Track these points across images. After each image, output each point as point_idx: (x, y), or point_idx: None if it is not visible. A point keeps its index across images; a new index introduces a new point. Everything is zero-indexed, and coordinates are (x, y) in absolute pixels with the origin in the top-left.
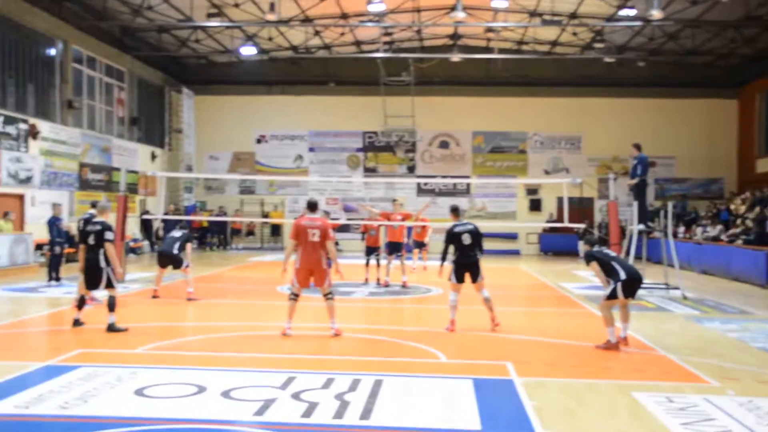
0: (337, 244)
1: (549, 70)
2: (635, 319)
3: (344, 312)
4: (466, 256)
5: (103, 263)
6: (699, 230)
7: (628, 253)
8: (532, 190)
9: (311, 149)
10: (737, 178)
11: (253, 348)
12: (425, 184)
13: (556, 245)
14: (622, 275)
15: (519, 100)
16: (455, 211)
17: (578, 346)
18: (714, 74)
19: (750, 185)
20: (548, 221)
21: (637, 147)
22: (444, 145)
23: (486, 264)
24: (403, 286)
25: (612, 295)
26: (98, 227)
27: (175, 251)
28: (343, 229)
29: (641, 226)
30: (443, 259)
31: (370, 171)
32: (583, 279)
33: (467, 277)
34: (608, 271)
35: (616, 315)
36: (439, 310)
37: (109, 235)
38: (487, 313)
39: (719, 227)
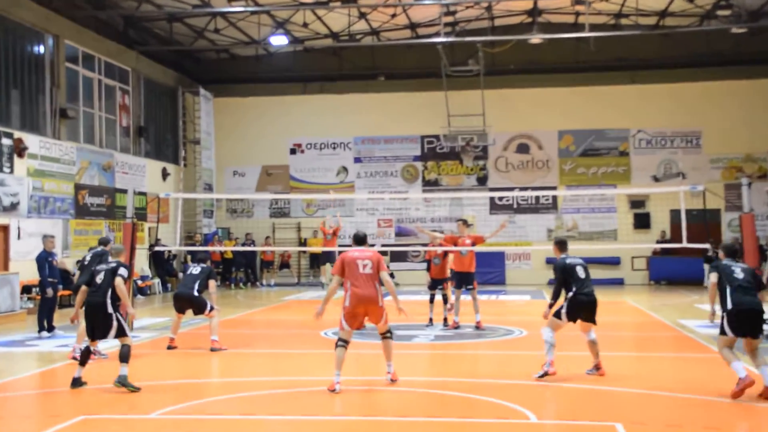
0: (392, 276)
1: (656, 48)
2: None
3: (405, 361)
4: (583, 294)
5: (111, 308)
6: None
7: None
8: (637, 203)
9: (357, 159)
10: None
11: (294, 409)
12: (500, 198)
13: (670, 272)
14: (729, 304)
15: (618, 89)
16: (561, 244)
17: (708, 401)
18: None
19: None
20: (660, 241)
21: None
22: (523, 149)
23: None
24: (477, 327)
25: (722, 331)
26: (113, 265)
27: (195, 292)
28: (398, 257)
29: None
30: (555, 298)
31: (430, 184)
32: (708, 314)
33: (581, 317)
34: (720, 294)
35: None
36: (525, 356)
37: (123, 271)
38: (590, 359)
39: None
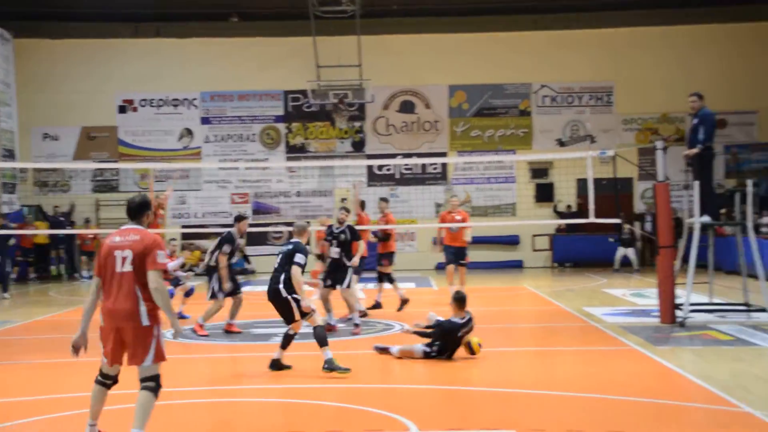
0: (246, 262)
1: None
2: (700, 358)
3: (263, 364)
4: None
5: None
6: None
7: (685, 259)
8: (539, 171)
9: (205, 120)
10: None
11: None
12: (380, 167)
13: (576, 252)
14: None
15: (518, 36)
16: (460, 301)
17: (613, 401)
18: None
19: None
20: (564, 216)
21: (699, 97)
22: (407, 107)
23: (473, 283)
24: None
25: None
26: None
27: None
28: (256, 239)
29: (706, 218)
30: None
31: (296, 150)
32: (618, 301)
33: None
34: None
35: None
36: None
37: None
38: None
39: None
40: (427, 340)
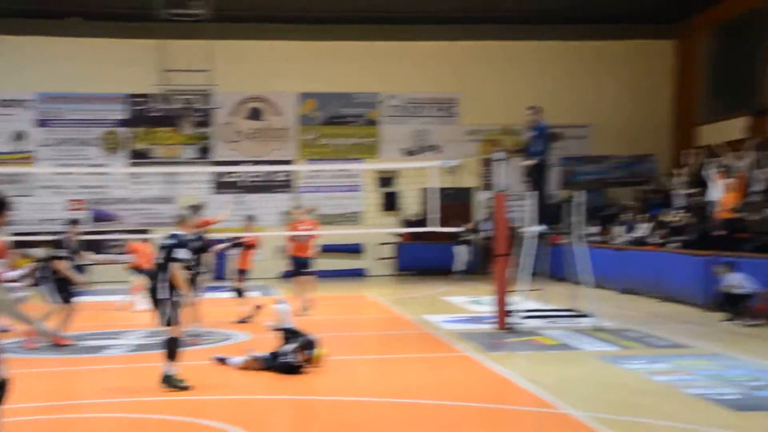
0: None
1: (410, 0)
2: (528, 363)
3: (94, 378)
4: None
5: None
6: (621, 230)
7: (523, 266)
8: (386, 180)
9: (42, 123)
10: (673, 154)
11: None
12: (226, 175)
13: (421, 260)
14: None
15: (368, 45)
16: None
17: (449, 407)
18: (645, 4)
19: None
20: (409, 224)
21: (536, 112)
22: (256, 114)
23: (316, 292)
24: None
25: None
26: None
27: None
28: (95, 248)
29: (540, 227)
30: None
31: (139, 156)
32: (456, 308)
33: None
34: None
35: None
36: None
37: None
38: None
39: (648, 224)
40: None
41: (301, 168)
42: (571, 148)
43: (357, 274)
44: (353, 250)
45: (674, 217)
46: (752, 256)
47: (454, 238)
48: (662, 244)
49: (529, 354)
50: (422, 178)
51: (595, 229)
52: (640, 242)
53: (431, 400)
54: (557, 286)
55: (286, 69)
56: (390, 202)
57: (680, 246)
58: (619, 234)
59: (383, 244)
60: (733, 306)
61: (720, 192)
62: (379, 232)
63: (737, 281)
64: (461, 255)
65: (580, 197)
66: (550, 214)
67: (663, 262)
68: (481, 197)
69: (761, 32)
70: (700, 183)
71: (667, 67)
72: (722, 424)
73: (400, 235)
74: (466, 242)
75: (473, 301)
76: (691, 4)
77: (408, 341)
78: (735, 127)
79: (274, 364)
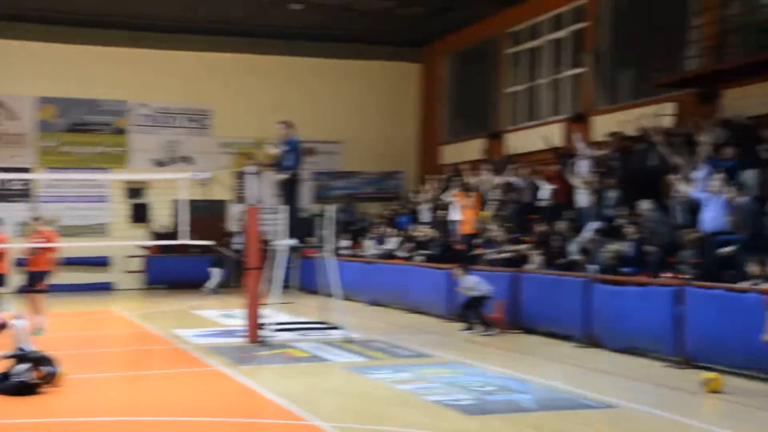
0: None
1: (161, 6)
2: (279, 376)
3: None
4: None
5: None
6: (371, 243)
7: (275, 279)
8: (135, 191)
9: None
10: (420, 171)
11: None
12: None
13: (171, 273)
14: None
15: (115, 51)
16: None
17: (198, 423)
18: (395, 26)
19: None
20: (159, 237)
21: (288, 126)
22: None
23: (57, 307)
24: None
25: None
26: None
27: None
28: None
29: (292, 241)
30: None
31: None
32: (208, 322)
33: None
34: None
35: None
36: None
37: None
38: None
39: (397, 239)
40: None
41: (40, 176)
42: (323, 164)
43: (104, 287)
44: (100, 263)
45: (420, 231)
46: (488, 269)
47: (207, 251)
48: (409, 258)
49: (279, 367)
50: (173, 189)
51: (346, 243)
52: (388, 256)
53: (180, 417)
54: (309, 298)
55: (22, 70)
56: (139, 214)
57: (425, 259)
58: (370, 248)
59: (132, 256)
60: (471, 309)
61: (460, 209)
62: (127, 244)
63: (472, 283)
64: (216, 271)
65: (331, 211)
66: (301, 227)
67: (409, 275)
68: (234, 210)
69: (493, 60)
70: (443, 199)
71: (414, 88)
72: (457, 429)
73: (150, 247)
74: (220, 258)
75: (225, 315)
76: (433, 30)
77: (157, 357)
78: (474, 148)
79: (5, 385)
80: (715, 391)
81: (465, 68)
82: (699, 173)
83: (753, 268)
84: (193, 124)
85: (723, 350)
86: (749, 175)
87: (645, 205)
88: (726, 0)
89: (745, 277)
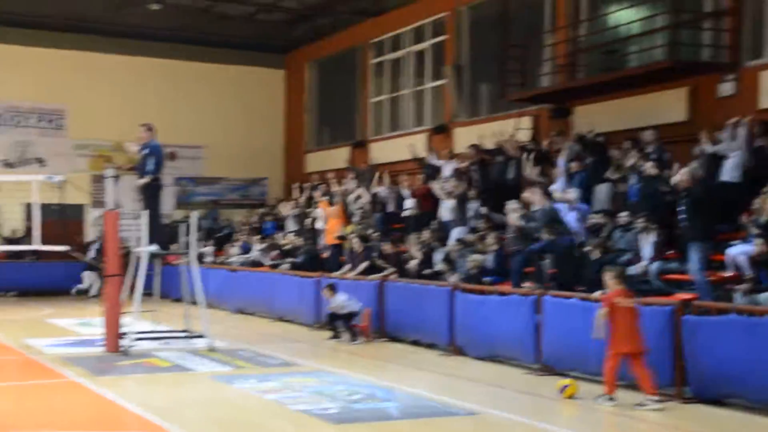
0: None
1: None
2: (140, 386)
3: None
4: None
5: None
6: (236, 250)
7: (136, 286)
8: None
9: None
10: (285, 179)
11: None
12: None
13: (23, 280)
14: None
15: None
16: None
17: None
18: (257, 32)
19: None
20: (8, 242)
21: (149, 129)
22: None
23: None
24: None
25: None
26: None
27: None
28: None
29: (154, 247)
30: None
31: None
32: (64, 331)
33: None
34: None
35: None
36: None
37: None
38: None
39: (262, 246)
40: None
41: None
42: (185, 169)
43: None
44: None
45: (285, 239)
46: (354, 279)
47: (65, 257)
48: (275, 266)
49: (140, 377)
50: (25, 192)
51: (210, 250)
52: (254, 263)
53: (39, 430)
54: (172, 306)
55: None
56: None
57: (291, 267)
58: (234, 255)
59: None
60: (341, 323)
61: (325, 217)
62: None
63: (342, 302)
64: (89, 277)
65: (194, 218)
66: (163, 234)
67: (275, 282)
68: (93, 215)
69: (357, 70)
70: (309, 208)
71: (279, 95)
72: None
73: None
74: (93, 263)
75: (83, 324)
76: (296, 37)
77: (7, 368)
78: (339, 157)
79: None
80: (571, 397)
81: (329, 76)
82: (555, 186)
83: (608, 277)
84: (46, 124)
85: (579, 357)
86: (602, 189)
87: (505, 216)
88: (575, 21)
89: (601, 286)
